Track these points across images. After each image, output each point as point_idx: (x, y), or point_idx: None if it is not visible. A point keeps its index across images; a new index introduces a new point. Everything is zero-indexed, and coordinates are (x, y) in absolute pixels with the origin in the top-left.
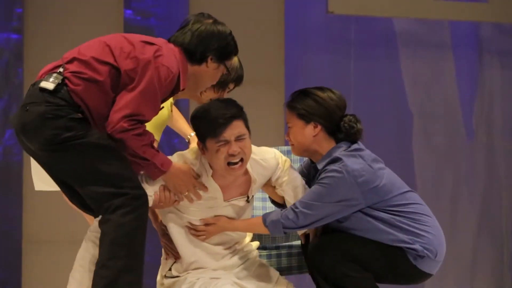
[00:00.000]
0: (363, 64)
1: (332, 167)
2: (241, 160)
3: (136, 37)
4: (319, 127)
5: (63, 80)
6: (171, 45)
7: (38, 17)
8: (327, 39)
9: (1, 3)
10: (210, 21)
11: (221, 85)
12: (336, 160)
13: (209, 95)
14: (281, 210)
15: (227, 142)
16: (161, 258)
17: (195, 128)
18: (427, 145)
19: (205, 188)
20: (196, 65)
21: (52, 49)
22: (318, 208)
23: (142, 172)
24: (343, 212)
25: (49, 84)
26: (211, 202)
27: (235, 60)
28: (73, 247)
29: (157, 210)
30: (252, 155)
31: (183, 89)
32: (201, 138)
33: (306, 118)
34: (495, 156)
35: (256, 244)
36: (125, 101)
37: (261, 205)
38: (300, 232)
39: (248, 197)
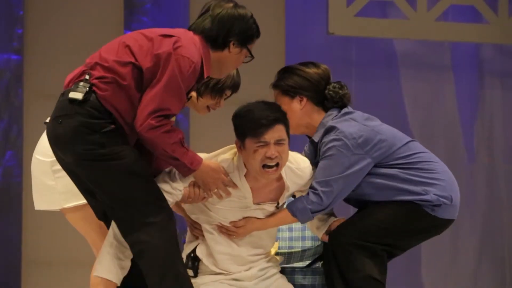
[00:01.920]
0: (364, 85)
1: (330, 138)
2: (277, 165)
3: (155, 32)
4: (305, 99)
5: (90, 87)
6: (191, 34)
7: (38, 38)
8: (328, 60)
9: (1, 23)
10: (231, 5)
11: (218, 91)
12: (331, 129)
13: (206, 102)
14: (302, 196)
15: (266, 144)
16: (184, 244)
17: (236, 125)
18: None
19: (234, 185)
20: (219, 50)
21: (53, 70)
22: (335, 181)
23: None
24: (359, 177)
25: (77, 94)
26: (240, 202)
27: None
28: (73, 269)
29: (185, 207)
30: (287, 163)
31: (207, 77)
32: (241, 136)
33: (290, 93)
34: (496, 178)
35: (280, 258)
36: (149, 98)
37: None
38: (321, 232)
39: (278, 203)
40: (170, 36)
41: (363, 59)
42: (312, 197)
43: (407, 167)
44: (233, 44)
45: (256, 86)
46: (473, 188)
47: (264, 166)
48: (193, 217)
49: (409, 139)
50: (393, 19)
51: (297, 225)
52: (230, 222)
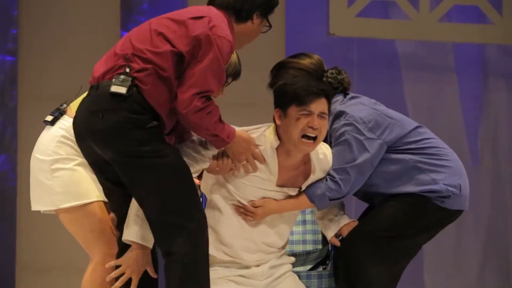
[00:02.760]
0: (365, 86)
1: (340, 123)
2: (315, 138)
3: (183, 15)
4: None
5: (132, 81)
6: (215, 10)
7: (33, 38)
8: (329, 61)
9: None
10: None
11: None
12: (340, 114)
13: None
14: (321, 182)
15: (310, 114)
16: None
17: (281, 92)
18: None
19: (263, 160)
20: (242, 23)
21: (48, 72)
22: (353, 168)
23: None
24: (374, 162)
25: (121, 89)
26: (264, 182)
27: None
28: (69, 274)
29: (203, 183)
30: (317, 148)
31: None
32: (285, 103)
33: None
34: (501, 182)
35: (292, 259)
36: (193, 79)
37: None
38: (331, 233)
39: (301, 188)
40: (201, 17)
41: (364, 60)
42: (331, 184)
43: (417, 152)
44: (257, 15)
45: (256, 87)
46: (477, 191)
47: (303, 136)
48: (210, 195)
49: (417, 124)
50: (395, 20)
51: (298, 229)
52: (249, 202)
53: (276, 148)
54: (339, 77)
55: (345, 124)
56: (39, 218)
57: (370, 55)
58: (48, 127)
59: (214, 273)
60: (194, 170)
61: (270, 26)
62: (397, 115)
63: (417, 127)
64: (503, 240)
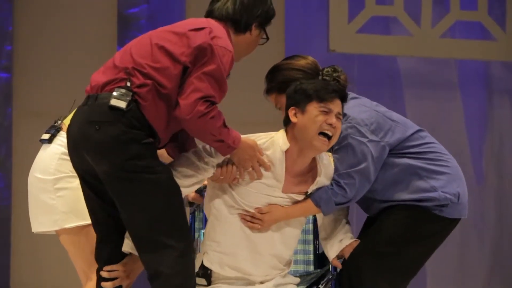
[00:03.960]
0: None
1: (343, 126)
2: (330, 138)
3: (183, 27)
4: None
5: (132, 96)
6: (214, 22)
7: (28, 55)
8: None
9: None
10: None
11: None
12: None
13: None
14: (327, 187)
15: (329, 112)
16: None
17: (301, 89)
18: None
19: (268, 166)
20: (240, 34)
21: (43, 89)
22: (357, 172)
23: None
24: (378, 164)
25: (121, 103)
26: (270, 188)
27: None
28: None
29: (208, 193)
30: (322, 154)
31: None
32: (304, 100)
33: (286, 88)
34: (506, 201)
35: (297, 280)
36: (194, 85)
37: None
38: (334, 253)
39: (307, 192)
40: (202, 28)
41: (365, 77)
42: (336, 189)
43: (418, 157)
44: (255, 26)
45: (256, 106)
46: (482, 211)
47: (321, 133)
48: (214, 205)
49: (418, 127)
50: (397, 36)
51: (301, 248)
52: (255, 209)
53: (286, 151)
54: (334, 74)
55: (347, 127)
56: (34, 238)
57: (371, 72)
58: (45, 145)
59: (220, 286)
60: (197, 180)
61: (267, 38)
62: (398, 117)
63: (418, 130)
64: (509, 260)
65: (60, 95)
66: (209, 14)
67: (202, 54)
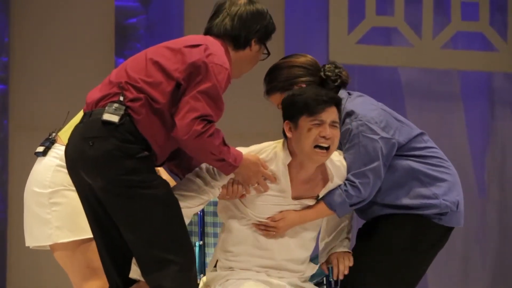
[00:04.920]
0: None
1: (352, 124)
2: (328, 148)
3: (179, 43)
4: (304, 85)
5: (125, 110)
6: (212, 39)
7: (25, 66)
8: None
9: None
10: (245, 0)
11: None
12: (351, 113)
13: None
14: (339, 188)
15: (322, 123)
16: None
17: (291, 104)
18: None
19: (274, 179)
20: (240, 50)
21: (40, 101)
22: (371, 170)
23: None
24: (388, 159)
25: (113, 117)
26: (279, 198)
27: None
28: None
29: (219, 207)
30: (332, 156)
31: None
32: (295, 115)
33: (289, 86)
34: (508, 213)
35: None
36: (189, 105)
37: None
38: (321, 260)
39: (318, 196)
40: (197, 45)
41: (366, 88)
42: (350, 190)
43: (421, 161)
44: (255, 41)
45: (257, 118)
46: (484, 224)
47: (316, 146)
48: (225, 217)
49: (421, 130)
50: (397, 47)
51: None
52: (267, 218)
53: (289, 164)
54: (336, 70)
55: (358, 125)
56: (30, 252)
57: (372, 83)
58: (40, 158)
59: (236, 274)
60: (203, 201)
61: (268, 53)
62: (402, 118)
63: (421, 133)
64: (511, 273)
65: (57, 107)
66: (208, 31)
67: (197, 71)
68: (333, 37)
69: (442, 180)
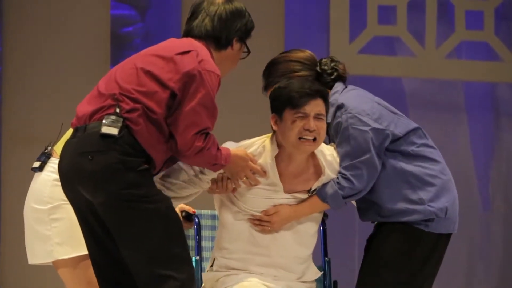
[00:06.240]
0: None
1: (343, 116)
2: (314, 139)
3: (168, 51)
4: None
5: (123, 121)
6: (196, 42)
7: (18, 76)
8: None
9: None
10: (222, 0)
11: None
12: (341, 106)
13: None
14: (333, 181)
15: (305, 116)
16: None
17: (275, 97)
18: None
19: (263, 173)
20: (222, 50)
21: (34, 112)
22: (362, 162)
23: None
24: (381, 150)
25: (112, 129)
26: (271, 191)
27: None
28: None
29: (215, 199)
30: (320, 148)
31: None
32: (279, 107)
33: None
34: None
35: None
36: (188, 119)
37: None
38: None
39: (310, 189)
40: (188, 51)
41: None
42: (342, 182)
43: (413, 160)
44: (236, 40)
45: (257, 123)
46: (488, 238)
47: (301, 138)
48: (220, 212)
49: (417, 125)
50: (400, 56)
51: None
52: (261, 212)
53: (276, 156)
54: (332, 64)
55: (348, 117)
56: (24, 270)
57: (375, 94)
58: (37, 174)
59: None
60: (193, 192)
61: (248, 51)
62: (400, 113)
63: (419, 128)
64: None
65: (51, 119)
66: (188, 33)
67: (191, 80)
68: (334, 46)
69: (432, 184)
